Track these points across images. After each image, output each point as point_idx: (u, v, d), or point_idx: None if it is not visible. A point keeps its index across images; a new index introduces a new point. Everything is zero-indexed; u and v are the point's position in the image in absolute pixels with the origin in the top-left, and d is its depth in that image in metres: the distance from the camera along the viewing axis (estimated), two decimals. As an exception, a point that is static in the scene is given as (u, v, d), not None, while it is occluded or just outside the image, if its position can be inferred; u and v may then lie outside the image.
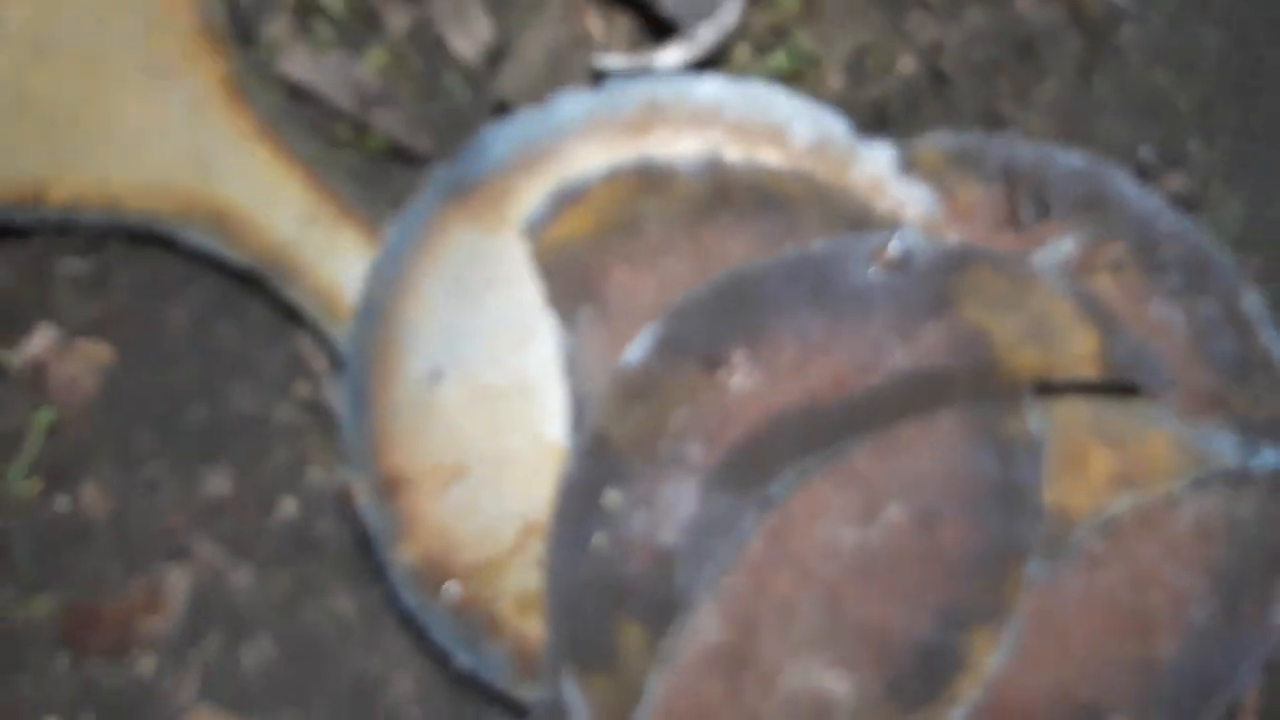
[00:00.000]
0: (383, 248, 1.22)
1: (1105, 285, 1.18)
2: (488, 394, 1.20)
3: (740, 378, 1.14)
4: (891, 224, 1.17)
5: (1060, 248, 1.18)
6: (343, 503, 1.23)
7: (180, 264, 1.30)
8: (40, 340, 1.29)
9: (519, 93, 1.27)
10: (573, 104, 1.20)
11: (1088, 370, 1.12)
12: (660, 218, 1.17)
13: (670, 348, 1.15)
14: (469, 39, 1.31)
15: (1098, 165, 1.22)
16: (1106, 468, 1.15)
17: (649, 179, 1.18)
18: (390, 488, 1.22)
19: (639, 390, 1.15)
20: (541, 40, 1.29)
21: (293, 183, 1.31)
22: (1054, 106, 1.28)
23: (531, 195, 1.19)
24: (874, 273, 1.12)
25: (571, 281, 1.18)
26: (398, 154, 1.29)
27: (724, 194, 1.16)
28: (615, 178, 1.18)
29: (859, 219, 1.17)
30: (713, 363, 1.14)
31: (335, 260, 1.30)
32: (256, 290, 1.29)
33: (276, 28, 1.33)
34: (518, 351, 1.20)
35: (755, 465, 1.10)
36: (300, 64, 1.32)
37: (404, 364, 1.21)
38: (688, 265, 1.16)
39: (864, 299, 1.11)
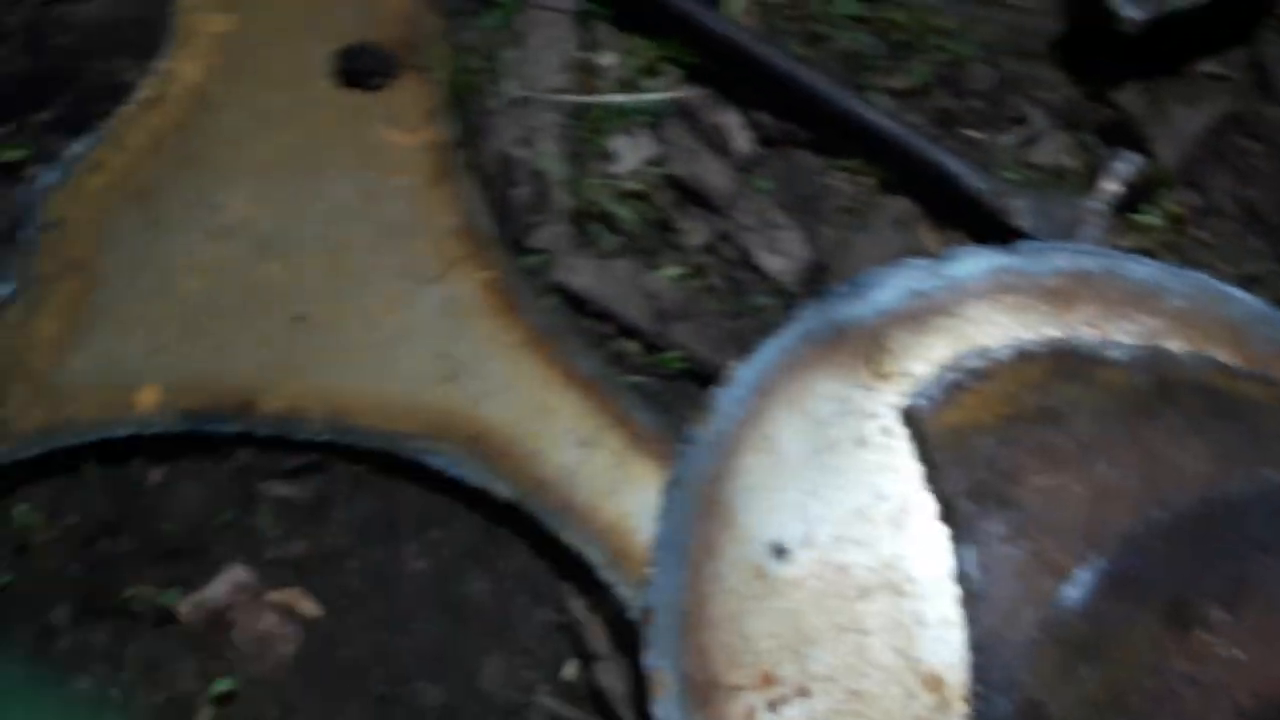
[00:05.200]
0: (728, 386, 0.96)
1: None
2: (845, 585, 0.89)
3: (1224, 646, 0.85)
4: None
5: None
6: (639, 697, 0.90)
7: (419, 496, 1.02)
8: (225, 585, 0.98)
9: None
10: (977, 260, 0.99)
11: None
12: (1088, 412, 0.92)
13: (1124, 591, 0.85)
14: (781, 256, 1.12)
15: None
16: None
17: (1072, 364, 0.94)
18: (702, 693, 0.87)
19: (1084, 646, 0.84)
20: (872, 253, 1.11)
21: (569, 403, 1.07)
22: None
23: (918, 354, 0.96)
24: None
25: (975, 480, 0.90)
26: (696, 375, 1.06)
27: (1168, 392, 0.93)
28: (1030, 358, 0.94)
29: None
30: (1184, 618, 0.85)
31: (622, 495, 1.02)
32: (517, 533, 1.01)
33: (550, 235, 1.14)
34: (891, 537, 0.91)
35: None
36: (582, 273, 1.11)
37: (738, 529, 0.92)
38: (1128, 476, 0.90)
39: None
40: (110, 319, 1.09)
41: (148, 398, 1.03)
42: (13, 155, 1.23)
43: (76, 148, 1.20)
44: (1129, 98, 1.21)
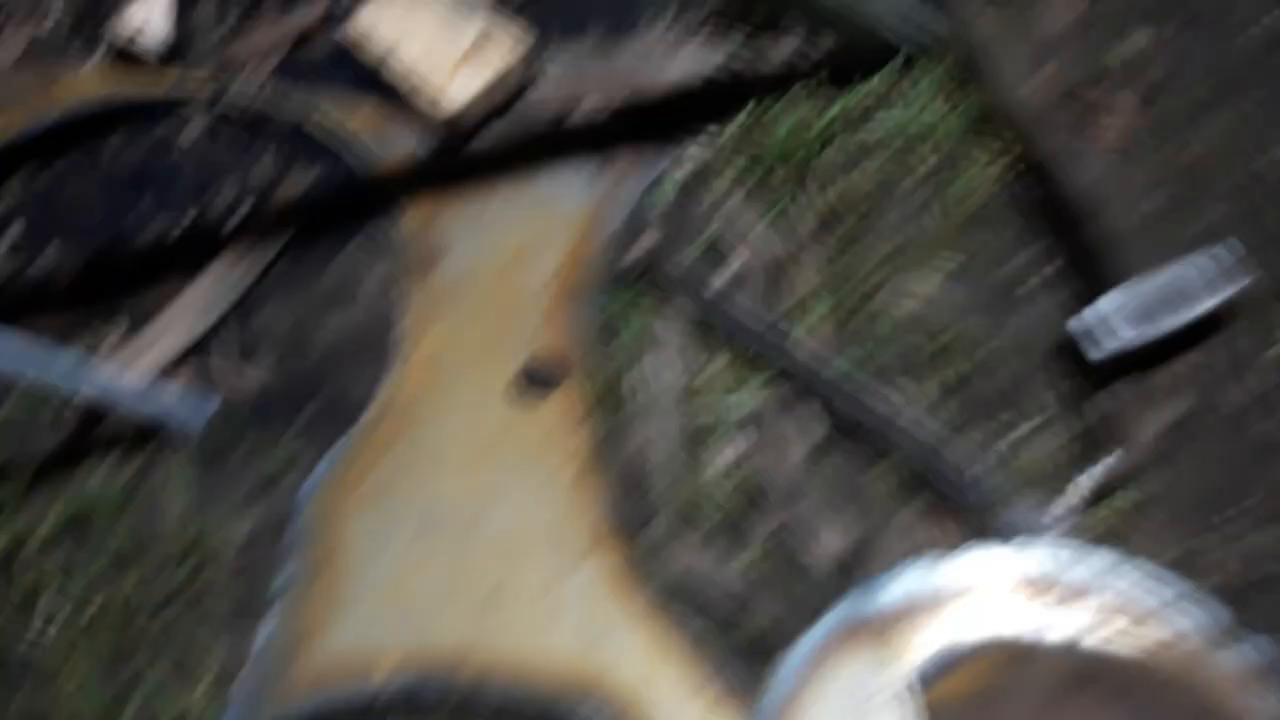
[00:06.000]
0: (785, 662, 1.38)
1: None
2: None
3: None
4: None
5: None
6: None
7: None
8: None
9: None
10: (964, 559, 1.38)
11: None
12: (1028, 690, 1.32)
13: None
14: (820, 549, 1.50)
15: None
16: None
17: (1019, 652, 1.34)
18: None
19: None
20: (897, 547, 1.46)
21: (673, 667, 1.46)
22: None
23: (915, 642, 1.36)
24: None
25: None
26: (765, 648, 1.44)
27: (1087, 673, 1.30)
28: (990, 647, 1.35)
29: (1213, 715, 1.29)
30: None
31: (714, 742, 1.43)
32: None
33: (661, 526, 1.54)
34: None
35: None
36: (678, 561, 1.51)
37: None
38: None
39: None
40: (353, 607, 1.54)
41: (383, 666, 1.48)
42: (273, 466, 1.67)
43: (322, 465, 1.65)
44: (1109, 401, 1.53)
